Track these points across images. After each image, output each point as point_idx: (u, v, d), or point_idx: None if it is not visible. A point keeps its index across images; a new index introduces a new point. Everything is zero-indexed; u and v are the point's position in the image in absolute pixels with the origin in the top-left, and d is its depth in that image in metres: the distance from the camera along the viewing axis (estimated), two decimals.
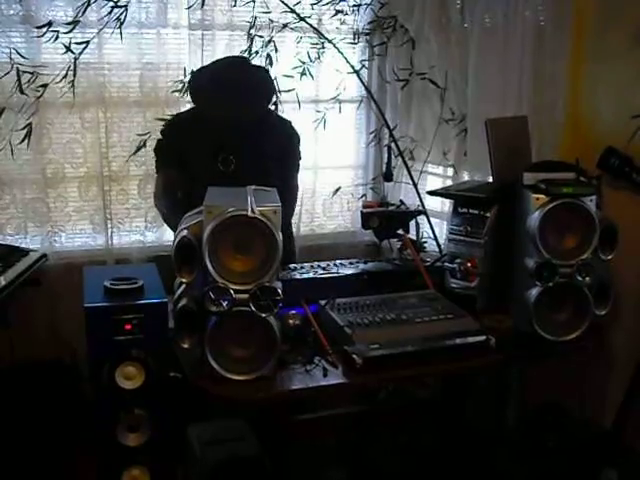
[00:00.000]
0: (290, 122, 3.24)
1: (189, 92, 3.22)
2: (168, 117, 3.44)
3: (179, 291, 2.13)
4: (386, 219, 2.81)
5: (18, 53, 3.24)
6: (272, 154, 3.07)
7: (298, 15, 3.62)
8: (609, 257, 2.45)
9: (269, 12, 3.60)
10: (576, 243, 2.40)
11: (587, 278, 2.39)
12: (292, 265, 2.72)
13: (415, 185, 3.78)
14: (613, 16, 3.02)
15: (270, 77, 3.23)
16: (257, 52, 3.61)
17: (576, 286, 2.39)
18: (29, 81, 3.26)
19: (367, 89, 3.96)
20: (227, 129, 2.97)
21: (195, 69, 3.28)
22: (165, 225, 3.66)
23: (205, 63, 3.44)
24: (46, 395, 3.28)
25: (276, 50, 3.66)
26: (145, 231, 3.71)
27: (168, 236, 3.65)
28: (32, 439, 3.16)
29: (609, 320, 2.61)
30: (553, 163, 2.57)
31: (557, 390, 3.08)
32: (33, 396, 3.24)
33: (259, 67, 3.32)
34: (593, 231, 2.38)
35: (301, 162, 3.28)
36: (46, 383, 3.33)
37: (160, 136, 3.18)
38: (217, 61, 3.17)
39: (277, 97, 3.65)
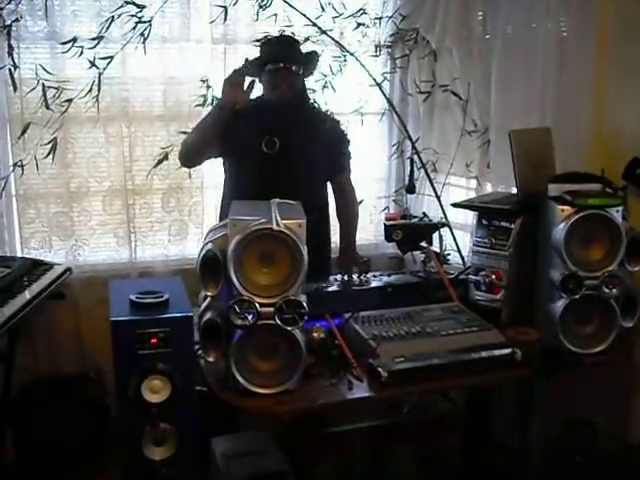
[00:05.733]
0: (339, 122, 3.27)
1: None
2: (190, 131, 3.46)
3: (204, 304, 2.14)
4: (409, 231, 2.80)
5: (43, 69, 3.29)
6: (320, 146, 3.08)
7: (320, 28, 3.63)
8: (636, 268, 2.43)
9: (291, 25, 3.62)
10: (602, 254, 2.38)
11: (614, 290, 2.37)
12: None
13: (438, 197, 3.77)
14: (636, 26, 3.00)
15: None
16: None
17: (602, 298, 2.37)
18: (54, 96, 3.31)
19: (389, 101, 3.96)
20: (274, 112, 2.99)
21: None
22: (188, 238, 3.69)
23: None
24: (70, 408, 3.30)
25: None
26: (168, 244, 3.73)
27: (191, 249, 3.67)
28: (57, 452, 3.18)
29: (636, 332, 2.57)
30: (578, 174, 2.56)
31: (583, 403, 3.04)
32: (57, 409, 3.26)
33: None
34: (619, 242, 2.36)
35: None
36: (70, 396, 3.35)
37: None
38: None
39: None
